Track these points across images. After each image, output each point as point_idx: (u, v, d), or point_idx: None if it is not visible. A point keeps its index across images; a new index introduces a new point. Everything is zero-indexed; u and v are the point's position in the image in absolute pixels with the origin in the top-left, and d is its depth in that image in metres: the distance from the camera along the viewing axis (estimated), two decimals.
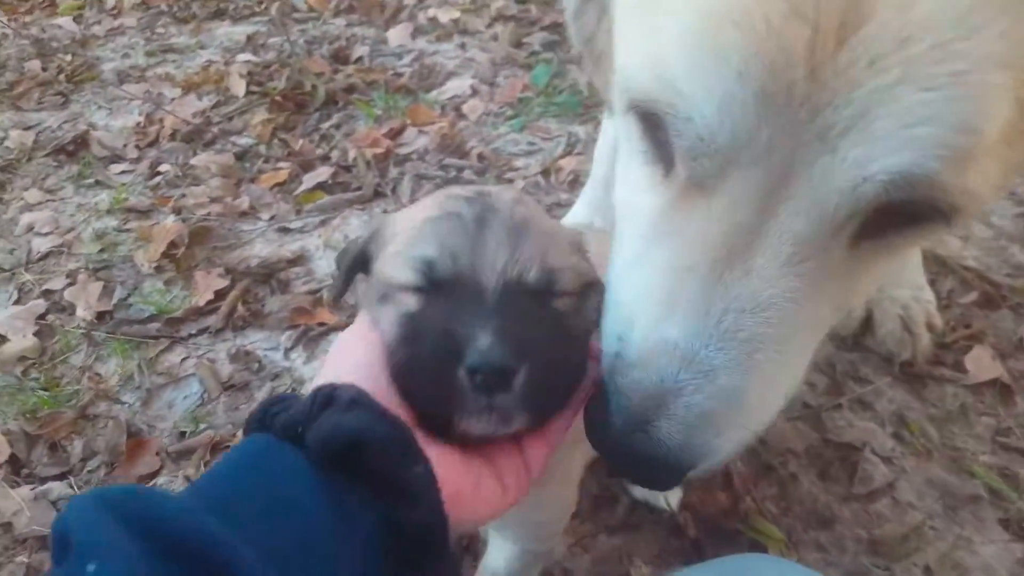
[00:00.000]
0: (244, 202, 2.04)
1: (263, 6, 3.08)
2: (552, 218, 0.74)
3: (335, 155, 2.20)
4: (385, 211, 1.99)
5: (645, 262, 0.62)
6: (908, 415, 1.40)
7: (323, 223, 1.97)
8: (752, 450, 1.36)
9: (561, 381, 0.63)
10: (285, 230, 1.96)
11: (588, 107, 2.29)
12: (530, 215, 0.67)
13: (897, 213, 0.52)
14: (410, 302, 0.65)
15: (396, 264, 0.66)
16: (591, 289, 0.68)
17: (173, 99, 2.52)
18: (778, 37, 0.48)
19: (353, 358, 0.64)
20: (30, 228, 2.04)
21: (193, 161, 2.21)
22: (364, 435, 0.52)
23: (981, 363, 1.44)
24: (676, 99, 0.53)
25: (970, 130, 0.47)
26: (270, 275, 1.82)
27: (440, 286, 0.63)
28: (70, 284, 1.83)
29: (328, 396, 0.55)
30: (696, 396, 0.56)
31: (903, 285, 1.48)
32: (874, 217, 0.53)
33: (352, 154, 2.16)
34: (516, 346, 0.58)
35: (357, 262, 0.74)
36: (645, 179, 0.64)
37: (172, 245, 1.89)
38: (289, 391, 1.56)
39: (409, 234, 0.67)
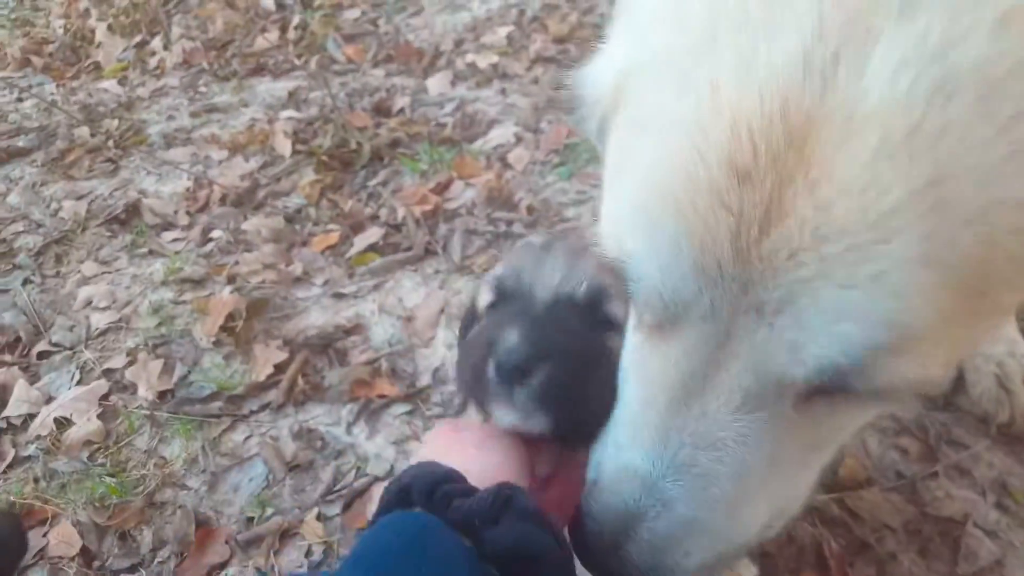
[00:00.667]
0: (297, 268, 2.03)
1: (302, 60, 3.11)
2: None
3: (384, 214, 2.18)
4: (437, 271, 1.96)
5: (623, 393, 0.67)
6: (1010, 482, 1.31)
7: (377, 287, 1.95)
8: (845, 525, 1.29)
9: (584, 392, 0.66)
10: (340, 295, 1.94)
11: None
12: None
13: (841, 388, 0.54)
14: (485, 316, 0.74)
15: (481, 291, 0.76)
16: None
17: (220, 161, 2.54)
18: (704, 221, 0.52)
19: (495, 455, 0.69)
20: (88, 303, 2.06)
21: (244, 226, 2.21)
22: (546, 553, 0.58)
23: None
24: (628, 259, 0.58)
25: (895, 326, 0.49)
26: (328, 345, 1.80)
27: (505, 300, 0.72)
28: (131, 362, 1.84)
29: (508, 499, 0.59)
30: (658, 522, 0.60)
31: (997, 340, 1.40)
32: (820, 386, 0.54)
33: (401, 212, 2.14)
34: (538, 347, 0.64)
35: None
36: (631, 317, 0.70)
37: (230, 317, 1.88)
38: (354, 470, 1.53)
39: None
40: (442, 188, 2.22)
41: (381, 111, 2.67)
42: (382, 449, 1.57)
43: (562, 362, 0.65)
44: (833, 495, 1.33)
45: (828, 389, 0.54)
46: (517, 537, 0.57)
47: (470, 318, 0.84)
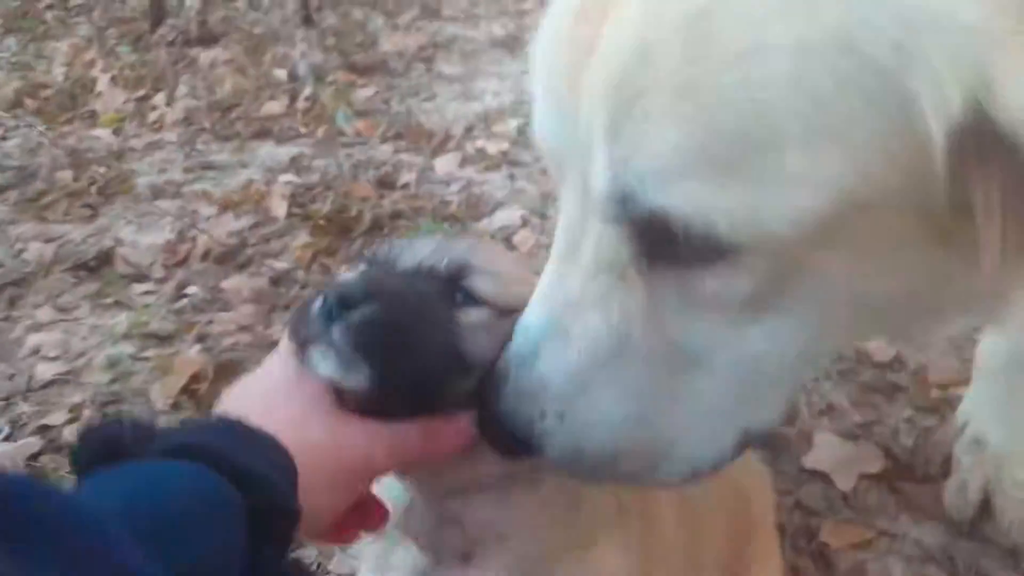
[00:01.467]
0: (277, 331, 1.84)
1: (309, 128, 3.02)
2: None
3: None
4: None
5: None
6: None
7: None
8: None
9: (413, 346, 0.60)
10: None
11: None
12: (494, 247, 0.68)
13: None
14: None
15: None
16: (511, 317, 0.65)
17: (208, 218, 2.38)
18: (552, 63, 0.57)
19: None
20: (36, 351, 1.83)
21: (224, 284, 2.03)
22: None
23: None
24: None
25: (663, 155, 0.50)
26: None
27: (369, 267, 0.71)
28: (72, 419, 1.60)
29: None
30: (520, 371, 0.61)
31: (1022, 464, 1.24)
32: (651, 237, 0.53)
33: None
34: (370, 286, 0.62)
35: None
36: None
37: (194, 379, 1.66)
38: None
39: None
40: None
41: (385, 184, 2.56)
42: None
43: (393, 305, 0.61)
44: None
45: (663, 246, 0.52)
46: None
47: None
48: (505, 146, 2.77)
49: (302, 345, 0.61)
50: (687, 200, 0.48)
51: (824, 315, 0.55)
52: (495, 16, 4.33)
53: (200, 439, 0.52)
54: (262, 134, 3.02)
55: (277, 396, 0.61)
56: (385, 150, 2.82)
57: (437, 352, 0.62)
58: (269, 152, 2.87)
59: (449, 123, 3.01)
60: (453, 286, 0.65)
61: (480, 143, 2.81)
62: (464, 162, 2.70)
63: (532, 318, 0.62)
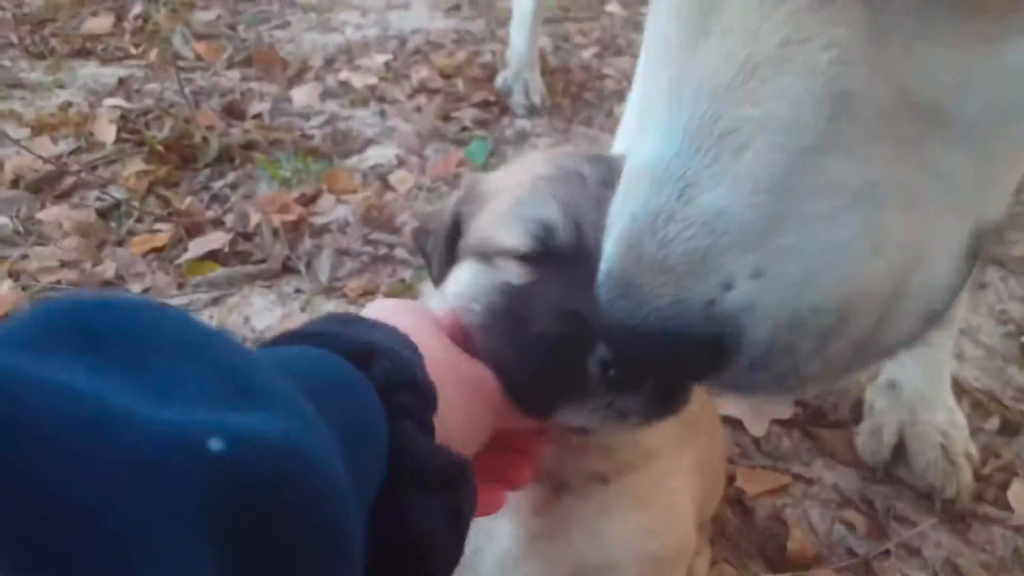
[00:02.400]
0: (109, 269, 1.58)
1: (140, 49, 2.65)
2: None
3: (231, 220, 1.79)
4: (299, 290, 1.60)
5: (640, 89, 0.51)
6: (960, 563, 1.17)
7: (216, 301, 1.55)
8: None
9: (683, 389, 0.54)
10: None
11: None
12: None
13: None
14: (514, 271, 0.55)
15: (503, 225, 0.56)
16: None
17: (19, 140, 2.01)
18: None
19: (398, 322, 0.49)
20: None
21: (40, 215, 1.72)
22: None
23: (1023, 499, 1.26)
24: None
25: None
26: None
27: (557, 256, 0.54)
28: None
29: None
30: (671, 227, 0.39)
31: (936, 407, 1.29)
32: None
33: (254, 219, 1.76)
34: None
35: (453, 228, 0.63)
36: None
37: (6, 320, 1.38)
38: None
39: (517, 192, 0.57)
40: (308, 200, 1.88)
41: (233, 113, 2.29)
42: None
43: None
44: (782, 575, 1.12)
45: None
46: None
47: (453, 227, 0.63)
48: (373, 80, 2.57)
49: (557, 401, 0.52)
50: None
51: None
52: None
53: (310, 328, 0.45)
54: (83, 53, 2.62)
55: (388, 309, 0.53)
56: (232, 76, 2.53)
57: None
58: (92, 73, 2.49)
59: (307, 53, 2.75)
60: None
61: (344, 75, 2.59)
62: (326, 95, 2.48)
63: (660, 146, 0.41)
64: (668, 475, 0.69)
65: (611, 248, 0.44)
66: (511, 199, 0.57)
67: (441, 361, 0.47)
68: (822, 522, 1.21)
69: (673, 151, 0.40)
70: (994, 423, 1.39)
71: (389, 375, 0.41)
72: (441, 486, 0.41)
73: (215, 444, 0.26)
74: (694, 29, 0.40)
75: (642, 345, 0.43)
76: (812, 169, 0.39)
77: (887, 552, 1.17)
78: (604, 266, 0.44)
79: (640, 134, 0.44)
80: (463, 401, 0.48)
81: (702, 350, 0.41)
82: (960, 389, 1.44)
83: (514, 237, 0.54)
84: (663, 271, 0.40)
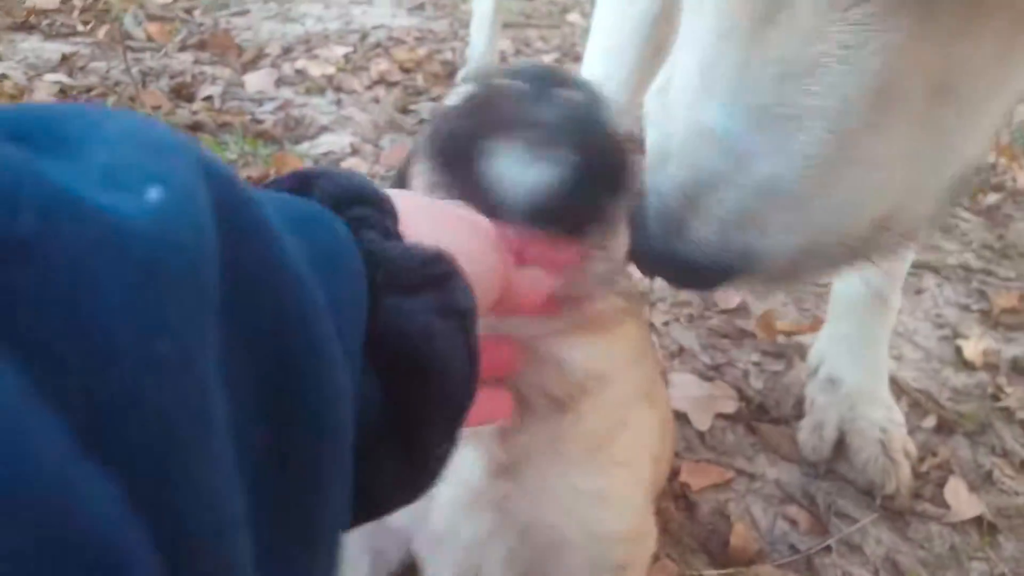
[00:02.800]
0: None
1: (89, 27, 2.57)
2: None
3: None
4: None
5: (688, 35, 0.54)
6: (900, 560, 1.17)
7: None
8: None
9: (608, 147, 0.53)
10: None
11: None
12: None
13: None
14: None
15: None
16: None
17: None
18: None
19: None
20: None
21: None
22: (448, 368, 0.38)
23: (959, 497, 1.27)
24: None
25: None
26: None
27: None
28: None
29: (445, 276, 0.40)
30: (729, 191, 0.49)
31: (875, 403, 1.30)
32: None
33: None
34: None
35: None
36: None
37: None
38: None
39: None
40: (255, 183, 1.81)
41: (182, 95, 2.22)
42: None
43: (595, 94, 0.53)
44: (724, 571, 1.10)
45: None
46: (431, 335, 0.37)
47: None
48: (331, 70, 2.52)
49: (468, 142, 0.52)
50: None
51: None
52: None
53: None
54: (25, 27, 2.52)
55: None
56: (183, 59, 2.46)
57: (623, 154, 0.54)
58: (33, 47, 2.39)
59: (264, 41, 2.69)
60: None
61: (301, 64, 2.54)
62: (281, 82, 2.42)
63: (725, 119, 0.48)
64: (623, 406, 0.67)
65: (666, 188, 0.51)
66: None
67: (427, 204, 0.47)
68: (764, 518, 1.20)
69: (739, 125, 0.48)
70: (931, 422, 1.41)
71: (331, 192, 0.38)
72: (425, 285, 0.38)
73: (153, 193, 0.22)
74: (764, 16, 0.46)
75: (672, 269, 0.54)
76: (850, 146, 0.47)
77: (828, 548, 1.16)
78: (655, 201, 0.51)
79: (706, 96, 0.50)
80: (466, 237, 0.46)
81: (725, 277, 0.52)
82: (898, 389, 1.45)
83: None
84: (718, 221, 0.49)
